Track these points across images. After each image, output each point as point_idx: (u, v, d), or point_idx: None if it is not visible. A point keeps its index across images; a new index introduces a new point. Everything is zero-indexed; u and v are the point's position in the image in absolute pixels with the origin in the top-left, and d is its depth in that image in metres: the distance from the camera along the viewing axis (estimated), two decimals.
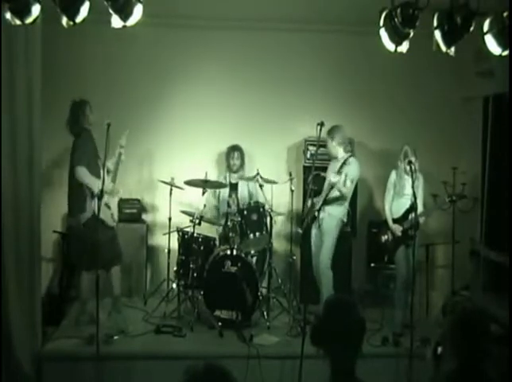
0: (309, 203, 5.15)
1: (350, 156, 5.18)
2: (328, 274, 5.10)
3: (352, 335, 2.18)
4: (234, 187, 5.85)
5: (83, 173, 4.55)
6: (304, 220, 5.16)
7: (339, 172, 4.99)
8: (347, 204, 5.20)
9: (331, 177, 4.96)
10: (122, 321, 4.82)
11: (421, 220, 4.98)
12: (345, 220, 5.21)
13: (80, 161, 4.56)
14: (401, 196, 5.07)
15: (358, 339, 2.18)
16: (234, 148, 5.88)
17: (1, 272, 4.22)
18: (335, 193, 5.06)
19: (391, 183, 5.18)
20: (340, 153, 5.20)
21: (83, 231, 4.64)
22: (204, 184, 5.27)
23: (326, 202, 5.09)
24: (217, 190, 5.90)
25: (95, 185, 4.54)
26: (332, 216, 5.13)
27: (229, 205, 5.72)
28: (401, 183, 5.08)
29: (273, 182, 5.41)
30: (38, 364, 4.38)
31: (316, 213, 5.08)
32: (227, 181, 5.87)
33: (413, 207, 4.69)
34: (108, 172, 4.70)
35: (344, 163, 5.06)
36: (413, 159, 4.77)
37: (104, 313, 4.65)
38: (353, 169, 5.08)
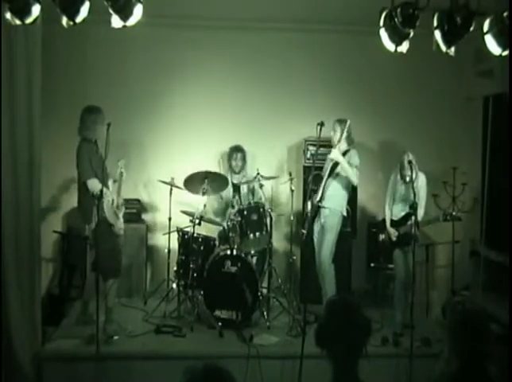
0: (309, 204, 5.14)
1: (349, 149, 5.18)
2: (331, 270, 5.12)
3: (359, 336, 2.17)
4: (237, 188, 5.83)
5: (95, 185, 4.47)
6: (305, 220, 5.15)
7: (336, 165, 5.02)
8: (347, 195, 5.20)
9: (331, 154, 5.01)
10: (116, 329, 4.77)
11: (417, 232, 4.79)
12: (345, 213, 5.21)
13: (90, 174, 4.54)
14: (400, 200, 5.05)
15: (364, 340, 2.18)
16: (237, 149, 5.86)
17: (1, 272, 4.22)
18: (338, 170, 5.08)
19: (391, 186, 5.17)
20: (343, 146, 5.18)
21: (93, 237, 4.59)
22: (203, 182, 5.25)
23: (328, 193, 5.10)
24: (219, 195, 5.87)
25: (106, 194, 4.56)
26: (333, 211, 5.13)
27: (233, 206, 5.72)
28: (400, 189, 5.05)
29: (275, 177, 5.45)
30: (38, 364, 4.38)
31: (317, 207, 5.08)
32: (230, 182, 5.85)
33: (411, 209, 4.65)
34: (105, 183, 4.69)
35: (345, 154, 5.07)
36: (412, 164, 4.74)
37: (103, 314, 4.63)
38: (355, 159, 5.09)
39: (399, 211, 5.04)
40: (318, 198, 5.10)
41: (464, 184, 5.29)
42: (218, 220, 5.80)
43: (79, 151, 4.62)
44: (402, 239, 4.94)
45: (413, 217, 4.60)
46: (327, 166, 5.20)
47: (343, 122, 5.16)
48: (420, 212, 4.86)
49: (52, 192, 5.69)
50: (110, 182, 4.74)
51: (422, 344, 4.60)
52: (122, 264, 4.92)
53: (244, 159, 5.88)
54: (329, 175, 5.15)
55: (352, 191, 5.45)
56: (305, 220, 5.13)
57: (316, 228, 5.20)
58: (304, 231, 4.89)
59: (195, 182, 5.33)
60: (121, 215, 4.80)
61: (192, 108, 6.09)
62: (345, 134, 5.14)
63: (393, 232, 5.03)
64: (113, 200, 4.66)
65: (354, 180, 5.13)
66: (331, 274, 5.12)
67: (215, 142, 6.11)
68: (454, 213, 4.85)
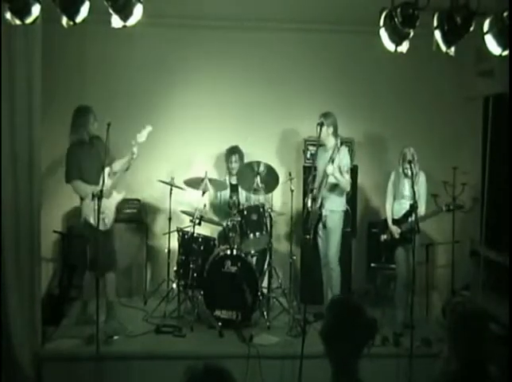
0: (309, 203, 5.13)
1: (340, 144, 5.15)
2: (338, 269, 5.14)
3: (365, 336, 2.17)
4: (234, 188, 5.83)
5: (78, 187, 4.66)
6: (305, 222, 5.15)
7: (331, 160, 4.95)
8: (345, 194, 5.20)
9: (327, 169, 4.93)
10: (117, 326, 4.79)
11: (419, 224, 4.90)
12: (345, 209, 5.22)
13: (73, 176, 4.65)
14: (401, 197, 5.06)
15: (369, 340, 2.18)
16: (233, 151, 5.83)
17: (1, 272, 4.22)
18: (332, 183, 5.05)
19: (392, 183, 5.18)
20: (331, 141, 5.14)
21: (79, 233, 4.79)
22: (204, 185, 5.27)
23: (325, 195, 5.08)
24: (218, 194, 5.88)
25: (89, 193, 4.60)
26: (334, 212, 5.14)
27: (230, 207, 5.71)
28: (400, 186, 5.07)
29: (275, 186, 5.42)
30: (38, 364, 4.38)
31: (319, 211, 5.07)
32: (228, 182, 5.86)
33: (412, 208, 4.67)
34: (110, 174, 4.69)
35: (334, 152, 5.03)
36: (413, 160, 4.76)
37: (103, 314, 4.64)
38: (345, 159, 5.07)
39: (400, 209, 5.05)
40: (319, 202, 5.08)
41: (464, 184, 5.29)
42: (216, 219, 5.81)
43: (66, 154, 4.71)
44: (404, 236, 4.95)
45: (414, 215, 4.62)
46: (320, 174, 5.14)
47: (331, 119, 5.10)
48: (422, 210, 4.88)
49: (53, 192, 5.68)
50: (106, 171, 4.67)
51: (422, 344, 4.60)
52: (114, 257, 4.91)
53: (241, 160, 5.85)
54: (323, 182, 5.12)
55: (352, 190, 5.46)
56: (306, 223, 5.12)
57: (319, 231, 5.20)
58: (309, 237, 4.89)
59: (194, 183, 5.39)
60: (112, 205, 4.77)
61: (192, 108, 6.09)
62: (331, 128, 5.12)
63: (396, 230, 5.03)
64: (96, 193, 4.54)
65: (348, 188, 5.15)
66: (337, 273, 5.13)
67: (215, 142, 6.11)
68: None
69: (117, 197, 4.85)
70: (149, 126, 4.73)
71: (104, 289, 4.69)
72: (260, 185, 5.28)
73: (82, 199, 4.69)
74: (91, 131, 4.72)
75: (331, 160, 4.96)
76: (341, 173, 4.99)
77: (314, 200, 5.12)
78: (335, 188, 5.11)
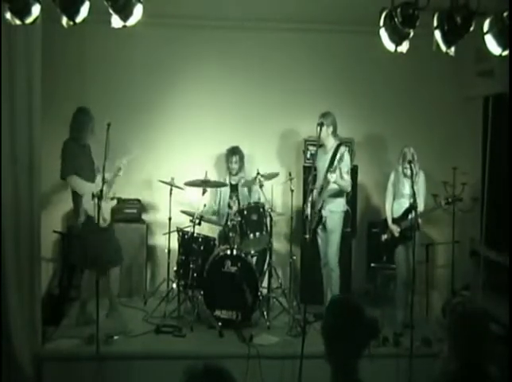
0: (309, 204, 5.13)
1: (339, 145, 5.16)
2: (338, 269, 5.15)
3: (366, 336, 2.17)
4: (234, 188, 5.83)
5: (74, 182, 4.67)
6: (305, 223, 5.15)
7: (331, 165, 4.98)
8: (345, 194, 5.22)
9: (330, 177, 4.93)
10: (120, 321, 4.81)
11: (419, 221, 4.94)
12: (345, 209, 5.22)
13: (69, 171, 4.66)
14: (401, 196, 5.07)
15: (370, 340, 2.17)
16: (233, 152, 5.82)
17: (1, 272, 4.22)
18: (333, 187, 5.06)
19: (391, 183, 5.18)
20: (330, 141, 5.17)
21: (80, 232, 4.78)
22: (205, 183, 5.28)
23: (327, 199, 5.09)
24: (217, 194, 5.89)
25: (87, 190, 4.61)
26: (334, 213, 5.15)
27: (230, 207, 5.71)
28: (399, 185, 5.08)
29: (275, 175, 5.42)
30: (38, 364, 4.38)
31: (319, 213, 5.08)
32: (228, 182, 5.86)
33: (412, 207, 4.68)
34: (105, 181, 4.67)
35: (335, 154, 5.04)
36: (413, 160, 4.77)
37: (105, 310, 4.65)
38: (346, 160, 5.07)
39: (400, 208, 5.05)
40: (319, 206, 5.09)
41: (464, 184, 5.29)
42: (215, 219, 5.80)
43: (63, 149, 4.73)
44: (404, 234, 4.95)
45: (414, 213, 4.63)
46: (321, 176, 5.15)
47: (330, 119, 5.11)
48: (421, 208, 4.89)
49: (53, 192, 5.68)
50: (98, 178, 4.69)
51: (422, 344, 4.60)
52: (120, 253, 4.95)
53: (242, 161, 5.85)
54: (326, 189, 5.12)
55: (352, 190, 5.46)
56: (305, 223, 5.12)
57: (319, 231, 5.20)
58: (307, 236, 4.90)
59: (194, 184, 5.40)
60: (108, 207, 4.80)
61: (192, 108, 6.09)
62: (331, 128, 5.12)
63: (396, 229, 5.04)
64: (96, 192, 4.55)
65: (348, 189, 5.19)
66: (337, 274, 5.14)
67: (216, 142, 6.11)
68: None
69: (110, 203, 4.86)
70: (131, 154, 4.89)
71: (108, 285, 4.73)
72: None
73: (81, 196, 4.67)
74: (86, 138, 4.77)
75: (331, 162, 4.97)
76: (341, 174, 5.00)
77: (314, 201, 5.13)
78: (335, 191, 5.11)
